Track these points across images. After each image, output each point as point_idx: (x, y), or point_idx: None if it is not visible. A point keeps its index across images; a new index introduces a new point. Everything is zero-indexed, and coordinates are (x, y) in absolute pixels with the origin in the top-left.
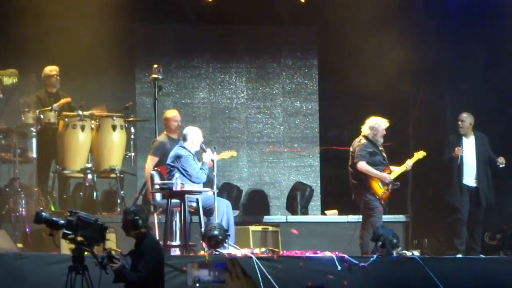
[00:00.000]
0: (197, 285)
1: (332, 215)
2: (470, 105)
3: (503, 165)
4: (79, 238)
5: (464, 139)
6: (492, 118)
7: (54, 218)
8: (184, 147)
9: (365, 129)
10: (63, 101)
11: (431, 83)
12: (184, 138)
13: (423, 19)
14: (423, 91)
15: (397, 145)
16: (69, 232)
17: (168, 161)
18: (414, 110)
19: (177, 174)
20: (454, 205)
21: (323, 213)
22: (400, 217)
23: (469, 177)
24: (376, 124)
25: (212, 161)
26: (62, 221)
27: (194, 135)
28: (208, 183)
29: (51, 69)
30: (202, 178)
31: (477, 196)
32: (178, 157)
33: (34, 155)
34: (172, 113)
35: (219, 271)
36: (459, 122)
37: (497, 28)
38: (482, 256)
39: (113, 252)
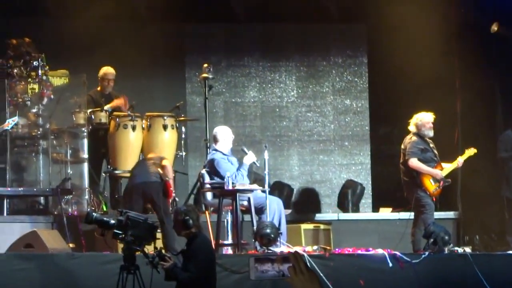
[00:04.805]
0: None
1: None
2: None
3: None
4: (130, 238)
5: None
6: None
7: (105, 218)
8: (216, 150)
9: (411, 128)
10: (115, 102)
11: (482, 78)
12: (215, 139)
13: (473, 14)
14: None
15: (447, 142)
16: (120, 232)
17: (206, 167)
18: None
19: (228, 173)
20: None
21: (374, 211)
22: (451, 214)
23: None
24: (418, 120)
25: (255, 162)
26: (112, 221)
27: (223, 134)
28: (260, 182)
29: (106, 73)
30: (238, 180)
31: None
32: (211, 162)
33: (86, 155)
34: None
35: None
36: None
37: None
38: None
39: (164, 251)
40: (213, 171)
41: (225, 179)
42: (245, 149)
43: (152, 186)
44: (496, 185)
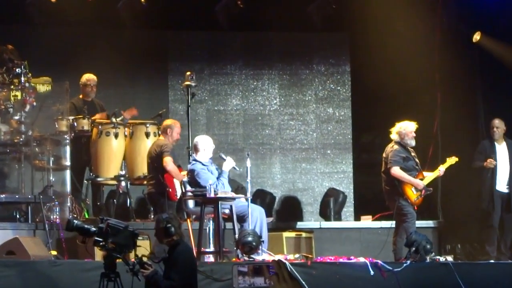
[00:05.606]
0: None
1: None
2: (502, 111)
3: None
4: (111, 245)
5: (497, 146)
6: None
7: (86, 226)
8: (195, 160)
9: (393, 136)
10: (98, 116)
11: (464, 88)
12: (195, 149)
13: (455, 24)
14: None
15: (428, 150)
16: (100, 239)
17: (186, 177)
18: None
19: (210, 181)
20: (487, 211)
21: (356, 219)
22: (431, 223)
23: (502, 183)
24: (401, 128)
25: (235, 166)
26: (93, 229)
27: (204, 144)
28: (242, 190)
29: (88, 79)
30: (219, 188)
31: (508, 201)
32: (191, 173)
33: (68, 162)
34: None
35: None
36: (494, 129)
37: None
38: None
39: (145, 259)
40: (194, 181)
41: (207, 187)
42: (223, 156)
43: (152, 196)
44: (476, 194)
